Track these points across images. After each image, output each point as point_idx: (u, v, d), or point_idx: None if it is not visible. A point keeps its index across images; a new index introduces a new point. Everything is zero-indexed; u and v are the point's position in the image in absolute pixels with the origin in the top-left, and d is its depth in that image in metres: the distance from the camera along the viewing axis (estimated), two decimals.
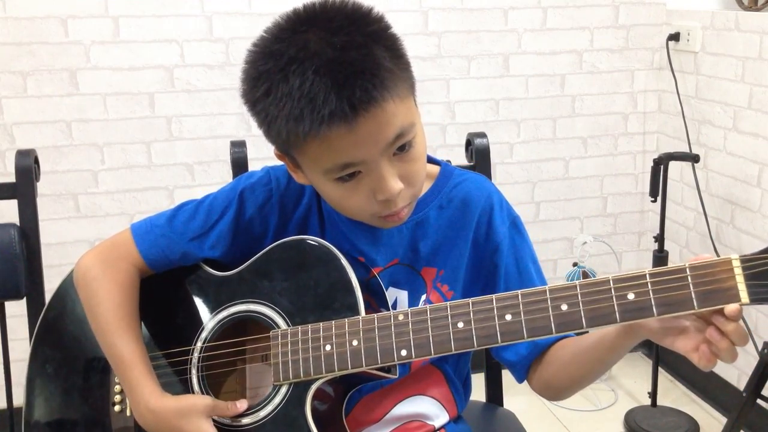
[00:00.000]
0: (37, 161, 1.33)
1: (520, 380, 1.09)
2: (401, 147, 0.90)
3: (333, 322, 0.95)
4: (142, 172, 2.36)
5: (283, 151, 0.95)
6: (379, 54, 0.86)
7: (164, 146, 2.36)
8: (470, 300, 0.88)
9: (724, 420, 2.31)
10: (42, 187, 1.37)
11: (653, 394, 2.46)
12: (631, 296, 0.81)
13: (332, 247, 0.98)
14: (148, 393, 0.99)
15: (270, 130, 0.89)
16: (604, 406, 2.55)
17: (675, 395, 2.61)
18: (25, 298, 1.31)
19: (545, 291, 0.85)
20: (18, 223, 1.30)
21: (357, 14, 0.89)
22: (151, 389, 1.00)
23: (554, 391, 1.07)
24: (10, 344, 1.36)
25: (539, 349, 1.05)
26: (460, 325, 0.88)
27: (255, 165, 1.21)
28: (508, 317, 0.86)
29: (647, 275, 0.80)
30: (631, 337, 0.90)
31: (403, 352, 0.91)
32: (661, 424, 2.39)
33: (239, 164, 1.34)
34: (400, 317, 0.91)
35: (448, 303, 0.90)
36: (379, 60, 0.86)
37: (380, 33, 0.88)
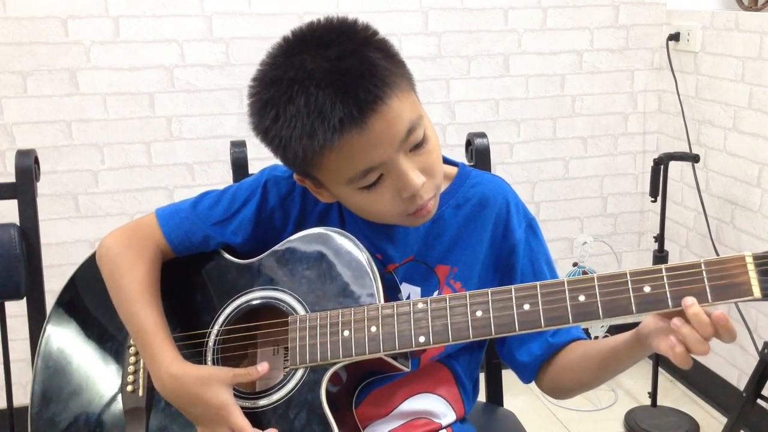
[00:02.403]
0: (37, 161, 1.33)
1: (528, 380, 1.10)
2: (418, 145, 0.93)
3: (352, 308, 0.96)
4: (142, 172, 2.36)
5: (303, 172, 0.98)
6: (373, 55, 0.89)
7: (164, 146, 2.36)
8: (489, 290, 0.91)
9: (724, 420, 2.31)
10: (42, 187, 1.37)
11: (653, 394, 2.46)
12: (647, 289, 0.84)
13: (353, 237, 1.01)
14: (170, 359, 1.00)
15: (286, 153, 0.91)
16: (604, 406, 2.55)
17: (675, 395, 2.62)
18: (25, 298, 1.31)
19: (563, 282, 0.87)
20: (18, 223, 1.30)
21: (343, 26, 0.92)
22: (172, 356, 1.01)
23: (560, 392, 1.09)
24: (10, 344, 1.36)
25: (553, 349, 1.06)
26: (479, 313, 0.90)
27: (255, 165, 1.21)
28: (527, 307, 0.88)
29: (663, 269, 0.83)
30: (638, 349, 0.92)
31: (422, 339, 0.92)
32: (661, 424, 2.39)
33: (239, 164, 1.34)
34: (420, 305, 0.93)
35: (467, 292, 0.92)
36: (374, 60, 0.88)
37: (369, 38, 0.91)
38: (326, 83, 0.86)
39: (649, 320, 0.88)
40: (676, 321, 0.82)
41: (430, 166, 0.95)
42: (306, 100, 0.86)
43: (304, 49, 0.90)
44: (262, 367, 0.99)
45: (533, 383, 1.11)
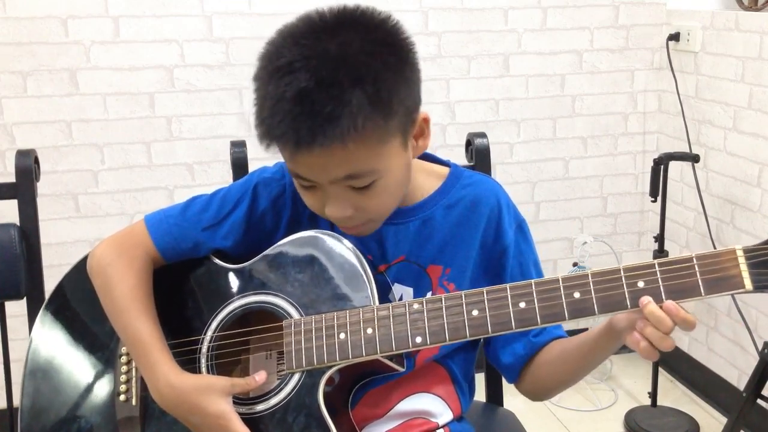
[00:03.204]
0: (37, 161, 1.33)
1: (512, 380, 1.11)
2: (359, 187, 0.91)
3: (347, 311, 0.96)
4: (142, 172, 2.36)
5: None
6: (355, 100, 0.84)
7: (164, 146, 2.36)
8: (485, 289, 0.91)
9: (724, 420, 2.30)
10: (42, 187, 1.37)
11: (653, 394, 2.46)
12: (641, 284, 0.85)
13: (345, 239, 1.00)
14: (167, 370, 1.00)
15: (254, 113, 0.92)
16: (604, 406, 2.55)
17: (675, 395, 2.61)
18: (25, 298, 1.31)
19: (558, 280, 0.88)
20: (18, 223, 1.30)
21: (353, 46, 0.88)
22: (169, 366, 1.00)
23: (540, 391, 1.10)
24: (10, 344, 1.37)
25: (536, 348, 1.07)
26: (475, 312, 0.91)
27: (255, 165, 1.21)
28: (522, 305, 0.89)
29: (656, 264, 0.84)
30: (613, 341, 0.94)
31: (418, 339, 0.92)
32: (661, 424, 2.39)
33: (239, 164, 1.34)
34: (415, 306, 0.93)
35: (462, 292, 0.92)
36: (349, 106, 0.84)
37: (379, 69, 0.87)
38: (293, 97, 0.84)
39: (620, 315, 0.89)
40: (640, 323, 0.85)
41: (367, 207, 0.94)
42: (274, 93, 0.86)
43: (297, 51, 0.87)
44: (260, 376, 0.99)
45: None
